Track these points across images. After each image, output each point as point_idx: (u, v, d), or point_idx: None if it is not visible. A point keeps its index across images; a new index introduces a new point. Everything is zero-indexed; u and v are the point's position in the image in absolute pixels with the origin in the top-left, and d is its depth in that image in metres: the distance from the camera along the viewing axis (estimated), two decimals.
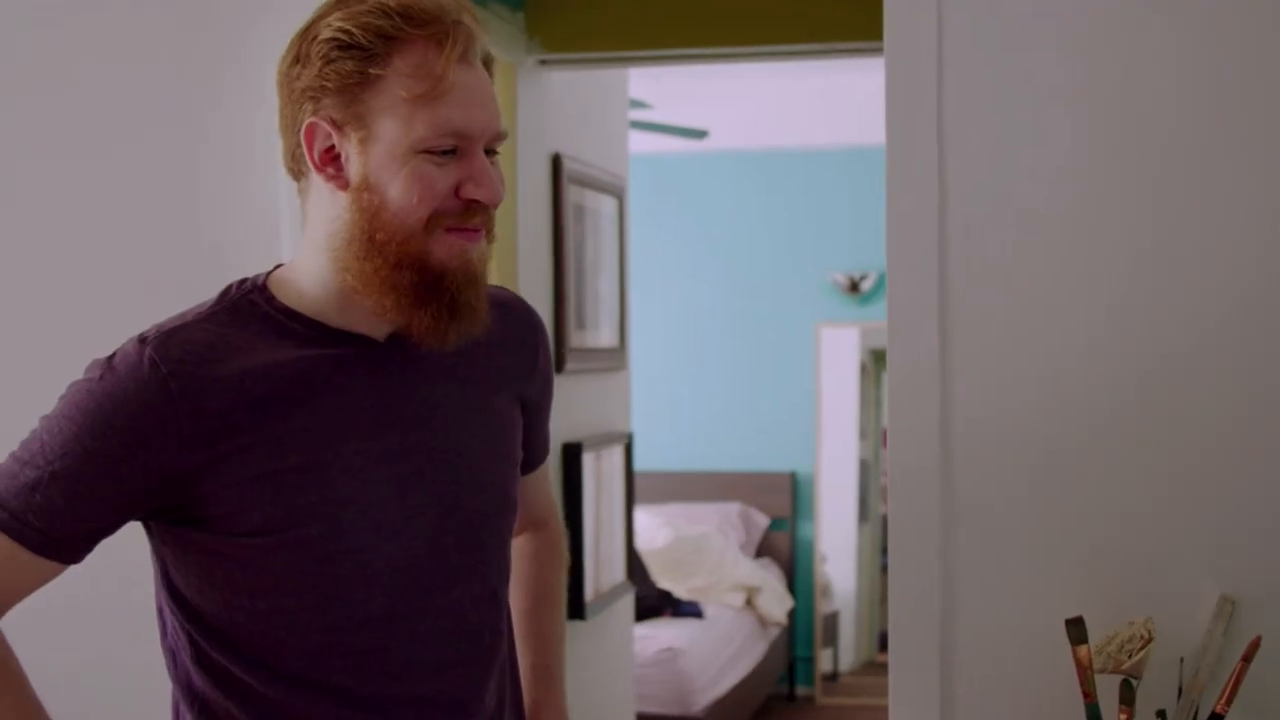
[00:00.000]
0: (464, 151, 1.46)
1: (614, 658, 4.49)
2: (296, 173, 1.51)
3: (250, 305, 1.51)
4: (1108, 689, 1.98)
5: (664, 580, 6.72)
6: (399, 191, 1.43)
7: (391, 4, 1.43)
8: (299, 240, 2.31)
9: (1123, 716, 1.95)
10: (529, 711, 1.76)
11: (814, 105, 6.65)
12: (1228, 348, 2.07)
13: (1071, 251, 2.11)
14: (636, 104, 5.42)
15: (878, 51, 2.30)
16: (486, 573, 1.58)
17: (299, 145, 1.47)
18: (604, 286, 4.57)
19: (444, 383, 1.55)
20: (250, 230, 2.42)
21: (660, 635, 6.05)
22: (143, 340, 1.45)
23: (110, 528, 1.47)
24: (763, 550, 7.33)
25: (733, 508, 7.30)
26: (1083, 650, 1.96)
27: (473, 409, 1.57)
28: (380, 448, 1.49)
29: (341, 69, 1.43)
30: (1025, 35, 2.11)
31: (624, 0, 3.88)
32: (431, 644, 1.53)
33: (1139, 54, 2.09)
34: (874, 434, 7.34)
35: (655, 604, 6.45)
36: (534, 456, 1.77)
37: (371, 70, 1.42)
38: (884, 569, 7.32)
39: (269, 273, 1.56)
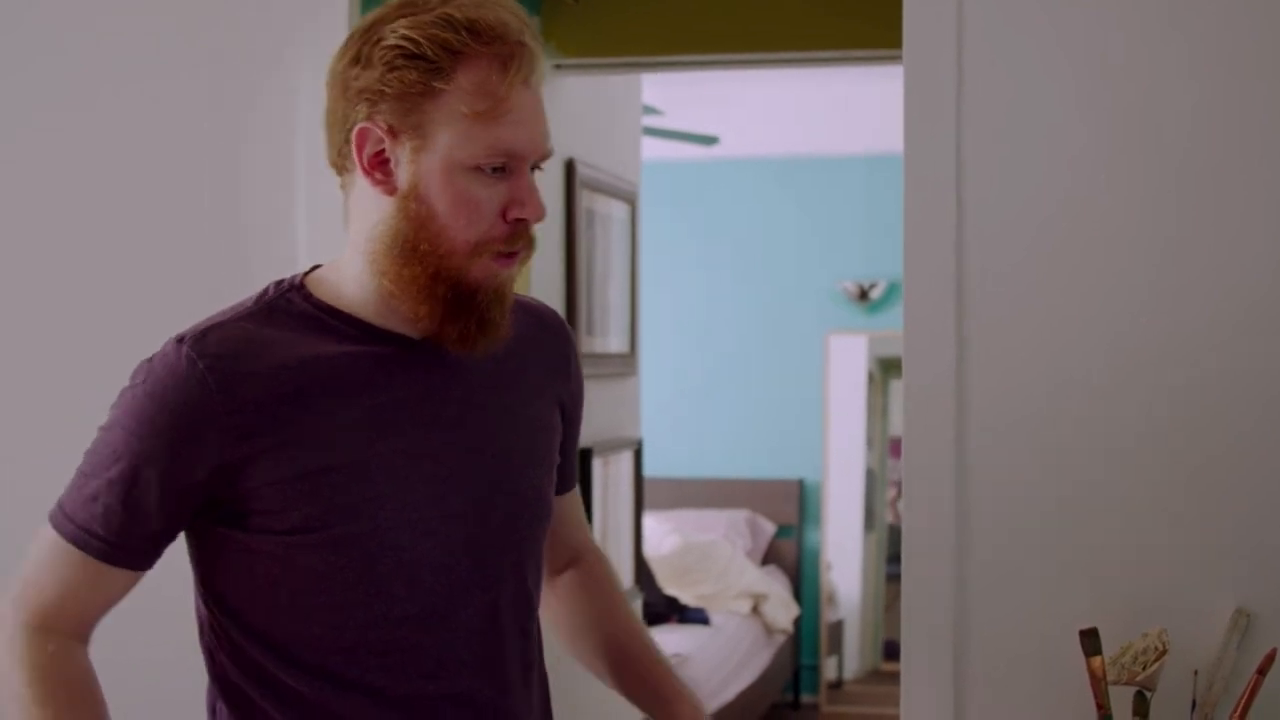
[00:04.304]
0: (512, 170, 1.47)
1: None
2: (341, 168, 1.52)
3: (288, 303, 1.52)
4: (1121, 701, 1.98)
5: (671, 587, 6.71)
6: (446, 207, 1.45)
7: (458, 17, 1.44)
8: (314, 241, 2.33)
9: None
10: (661, 708, 1.74)
11: (824, 113, 6.65)
12: (1246, 360, 2.06)
13: (1089, 261, 2.11)
14: (649, 110, 5.43)
15: (893, 59, 2.30)
16: (522, 574, 1.59)
17: (347, 144, 1.48)
18: (615, 292, 4.57)
19: (482, 385, 1.56)
20: (265, 232, 2.41)
21: (666, 641, 6.04)
22: (180, 339, 1.47)
23: (169, 530, 1.49)
24: (769, 558, 7.33)
25: (740, 515, 7.30)
26: (1097, 661, 1.95)
27: (511, 412, 1.58)
28: (419, 447, 1.50)
29: (405, 78, 1.44)
30: (1044, 44, 2.11)
31: (638, 7, 3.88)
32: (466, 644, 1.53)
33: (1158, 64, 2.09)
34: (880, 443, 7.34)
35: (662, 610, 6.45)
36: (565, 477, 1.76)
37: (435, 83, 1.43)
38: (889, 577, 7.38)
39: (307, 272, 1.57)
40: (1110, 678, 1.95)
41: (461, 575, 1.52)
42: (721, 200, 7.44)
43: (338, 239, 2.33)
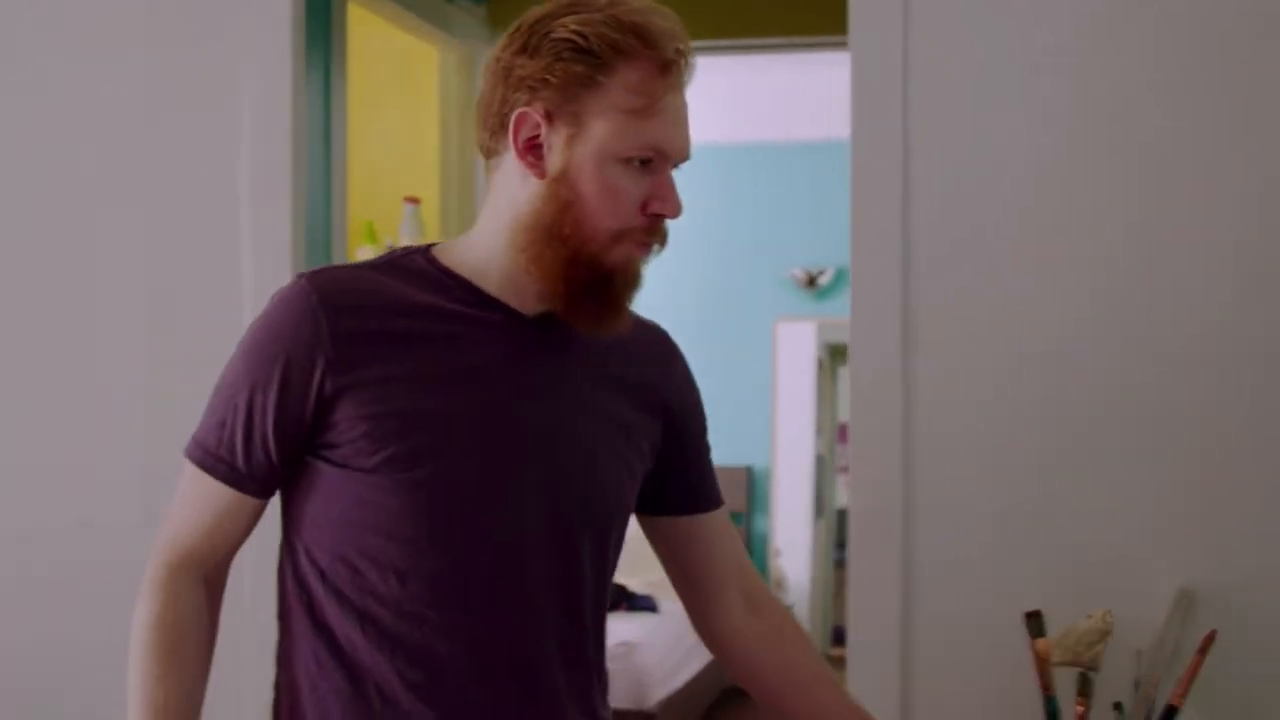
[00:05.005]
0: (655, 167, 1.58)
1: None
2: (492, 151, 1.59)
3: (410, 261, 1.60)
4: (1066, 682, 1.99)
5: (619, 574, 6.69)
6: (593, 194, 1.54)
7: (625, 20, 1.54)
8: (261, 262, 2.30)
9: (1080, 709, 1.97)
10: None
11: (772, 99, 6.66)
12: (1190, 345, 2.08)
13: (1036, 247, 2.12)
14: None
15: (840, 45, 2.31)
16: (580, 559, 1.64)
17: (501, 127, 1.55)
18: None
19: (580, 373, 1.62)
20: (210, 248, 2.37)
21: (616, 629, 6.04)
22: (300, 275, 1.56)
23: (284, 461, 1.55)
24: None
25: None
26: (1041, 643, 1.97)
27: (600, 403, 1.64)
28: (509, 416, 1.56)
29: (570, 69, 1.52)
30: (992, 29, 2.12)
31: None
32: (521, 617, 1.58)
33: (1106, 48, 2.10)
34: (830, 429, 7.37)
35: (611, 598, 6.45)
36: (704, 490, 1.81)
37: (598, 76, 1.53)
38: (837, 563, 7.37)
39: (429, 245, 1.64)
40: (1055, 659, 1.97)
41: (525, 548, 1.57)
42: None
43: (281, 255, 2.34)
